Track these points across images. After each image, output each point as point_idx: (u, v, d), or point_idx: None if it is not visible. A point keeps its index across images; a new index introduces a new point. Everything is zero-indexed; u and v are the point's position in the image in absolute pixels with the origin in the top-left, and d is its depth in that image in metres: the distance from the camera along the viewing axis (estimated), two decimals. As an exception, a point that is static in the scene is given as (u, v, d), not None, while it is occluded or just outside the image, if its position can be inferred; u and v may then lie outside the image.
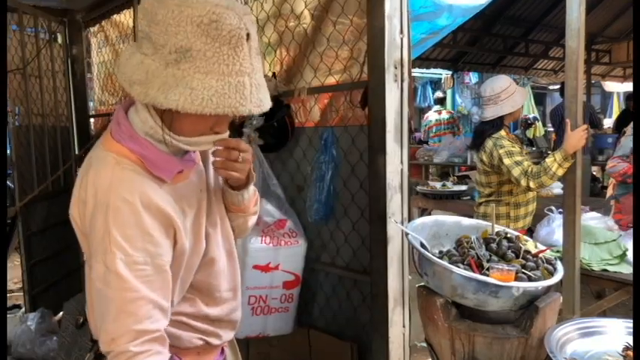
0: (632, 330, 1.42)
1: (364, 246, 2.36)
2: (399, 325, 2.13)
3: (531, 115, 11.05)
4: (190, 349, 1.25)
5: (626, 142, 3.54)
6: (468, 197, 4.76)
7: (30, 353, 3.43)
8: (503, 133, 3.09)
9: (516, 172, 2.90)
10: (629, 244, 2.89)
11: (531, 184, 2.85)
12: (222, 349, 1.36)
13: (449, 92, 10.71)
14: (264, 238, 2.40)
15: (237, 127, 2.36)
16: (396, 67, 2.07)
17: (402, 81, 2.09)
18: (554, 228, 3.13)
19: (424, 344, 3.50)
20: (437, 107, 8.73)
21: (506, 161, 2.94)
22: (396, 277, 2.09)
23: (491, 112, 3.09)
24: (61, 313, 3.99)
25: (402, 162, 2.09)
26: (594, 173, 7.44)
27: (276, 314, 2.50)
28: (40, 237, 3.94)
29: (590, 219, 3.17)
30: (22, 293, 4.08)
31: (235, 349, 1.45)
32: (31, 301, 3.82)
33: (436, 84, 11.39)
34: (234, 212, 1.33)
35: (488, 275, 1.43)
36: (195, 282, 1.22)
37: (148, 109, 1.10)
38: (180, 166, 1.16)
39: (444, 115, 8.45)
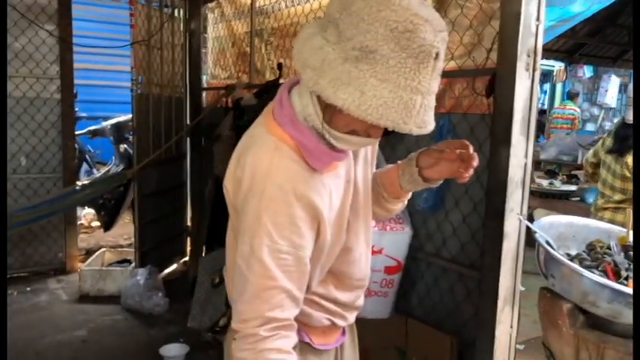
0: None
1: (474, 240, 2.29)
2: (507, 325, 2.05)
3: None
4: (318, 327, 1.28)
5: None
6: (578, 198, 4.47)
7: (138, 305, 3.70)
8: None
9: None
10: None
11: None
12: (344, 330, 1.39)
13: (559, 86, 10.07)
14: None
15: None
16: (528, 56, 1.95)
17: (533, 70, 1.98)
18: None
19: (520, 347, 3.37)
20: (566, 101, 8.60)
21: None
22: (508, 276, 2.01)
23: (624, 114, 2.84)
24: (166, 271, 4.28)
25: (526, 156, 1.98)
26: None
27: (375, 297, 2.50)
28: (152, 199, 4.22)
29: None
30: (131, 249, 4.41)
31: (354, 330, 1.47)
32: (140, 258, 4.11)
33: (546, 76, 10.75)
34: (401, 198, 1.37)
35: (626, 285, 1.32)
36: (331, 267, 1.24)
37: (311, 96, 1.09)
38: (334, 158, 1.16)
39: (568, 110, 8.22)
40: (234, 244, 1.15)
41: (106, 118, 6.33)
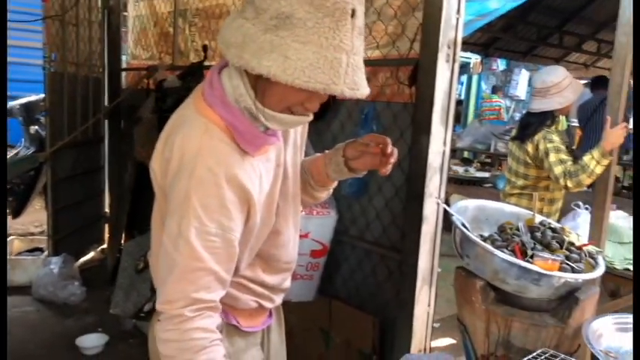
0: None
1: (395, 224, 2.38)
2: (425, 304, 2.16)
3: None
4: (245, 309, 1.29)
5: None
6: (490, 185, 4.76)
7: (51, 296, 3.52)
8: (553, 127, 3.04)
9: (558, 170, 2.85)
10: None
11: (569, 184, 2.81)
12: (271, 313, 1.41)
13: (475, 78, 10.57)
14: (297, 206, 2.42)
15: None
16: (449, 47, 2.05)
17: (453, 62, 2.07)
18: (578, 223, 3.13)
19: (436, 325, 3.56)
20: (491, 95, 9.48)
21: (552, 157, 2.89)
22: (427, 257, 2.11)
23: (537, 105, 3.02)
24: (82, 259, 4.09)
25: (445, 143, 2.09)
26: (616, 174, 7.36)
27: (300, 281, 2.54)
28: (67, 184, 4.01)
29: (617, 218, 3.17)
30: (43, 237, 4.18)
31: (280, 312, 1.50)
32: (54, 246, 3.90)
33: (463, 68, 11.25)
34: (327, 186, 1.39)
35: (531, 263, 1.44)
36: (259, 250, 1.25)
37: (241, 76, 1.09)
38: (266, 141, 1.16)
39: (495, 103, 9.19)
40: (161, 227, 1.13)
41: (14, 98, 5.90)
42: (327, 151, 1.41)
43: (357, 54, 1.04)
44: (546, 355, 1.24)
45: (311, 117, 1.16)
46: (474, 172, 5.01)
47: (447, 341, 3.33)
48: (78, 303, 3.53)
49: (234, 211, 1.10)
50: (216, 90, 1.12)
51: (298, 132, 1.33)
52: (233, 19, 1.07)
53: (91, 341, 2.96)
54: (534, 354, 1.23)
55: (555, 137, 2.97)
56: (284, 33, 0.98)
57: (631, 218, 3.28)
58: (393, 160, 1.27)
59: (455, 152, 7.47)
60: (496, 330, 1.48)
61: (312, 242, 2.48)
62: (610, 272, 2.86)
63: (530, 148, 3.03)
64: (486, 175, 4.92)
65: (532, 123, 3.05)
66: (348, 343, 2.48)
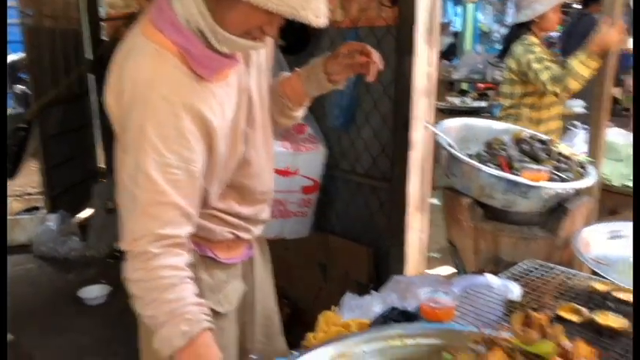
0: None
1: (384, 153, 2.33)
2: (417, 231, 2.13)
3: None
4: (222, 242, 1.26)
5: None
6: (488, 114, 4.67)
7: (52, 252, 3.55)
8: (534, 39, 2.92)
9: (545, 76, 2.73)
10: (653, 161, 2.85)
11: (557, 89, 2.71)
12: (251, 244, 1.38)
13: (470, 7, 10.23)
14: (284, 143, 2.37)
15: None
16: (430, -38, 1.93)
17: (435, -23, 1.96)
18: (575, 143, 3.08)
19: (436, 255, 3.57)
20: None
21: (536, 66, 2.77)
22: (417, 184, 2.07)
23: (512, 19, 2.96)
24: (81, 215, 4.09)
25: (430, 64, 2.00)
26: (616, 95, 7.20)
27: (294, 218, 2.52)
28: (58, 140, 3.96)
29: (614, 135, 3.11)
30: (40, 196, 4.17)
31: (264, 244, 1.47)
32: (51, 203, 3.90)
33: (458, -2, 10.88)
34: (304, 104, 1.36)
35: (518, 175, 1.40)
36: (230, 181, 1.21)
37: None
38: (223, 64, 1.09)
39: None
40: (122, 165, 1.08)
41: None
42: (298, 70, 1.36)
43: None
44: (532, 265, 1.21)
45: (264, 44, 1.11)
46: (471, 103, 4.92)
47: (447, 270, 3.35)
48: (78, 257, 3.54)
49: (193, 141, 1.05)
50: (166, 12, 1.04)
51: (262, 55, 1.26)
52: None
53: (94, 292, 2.99)
54: (519, 263, 1.20)
55: (536, 48, 2.87)
56: None
57: (629, 135, 3.22)
58: (379, 65, 1.22)
59: (452, 85, 7.33)
60: (484, 247, 1.46)
61: (302, 179, 2.45)
62: (608, 190, 2.83)
63: (513, 64, 2.93)
64: (483, 104, 4.84)
65: (508, 38, 2.98)
66: (345, 275, 2.49)
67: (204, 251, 1.24)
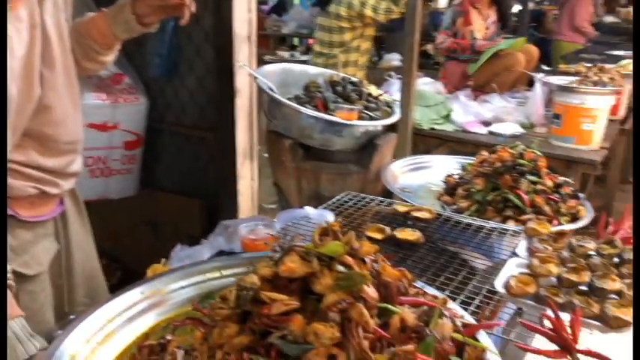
0: (457, 163, 1.58)
1: (211, 104, 2.28)
2: (248, 179, 2.15)
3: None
4: (23, 197, 1.13)
5: (445, 16, 3.79)
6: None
7: None
8: None
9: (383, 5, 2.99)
10: (454, 106, 3.21)
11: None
12: (62, 200, 1.26)
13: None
14: (99, 94, 2.19)
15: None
16: None
17: None
18: (392, 92, 3.34)
19: (273, 206, 3.66)
20: None
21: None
22: (244, 131, 2.07)
23: None
24: None
25: (250, 10, 1.98)
26: (428, 50, 7.91)
27: (117, 176, 2.38)
28: None
29: (423, 84, 3.42)
30: None
31: (78, 200, 1.35)
32: None
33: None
34: (114, 47, 1.27)
35: (333, 115, 1.47)
36: (27, 129, 1.08)
37: None
38: None
39: None
40: None
41: None
42: (104, 9, 1.25)
43: None
44: (348, 197, 1.31)
45: None
46: (300, 57, 5.02)
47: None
48: None
49: None
50: None
51: None
52: None
53: None
54: (337, 197, 1.29)
55: None
56: None
57: (436, 83, 3.58)
58: (191, 7, 1.19)
59: (285, 40, 7.38)
60: (306, 185, 1.53)
61: (123, 133, 2.30)
62: (419, 133, 3.14)
63: (342, 10, 3.07)
64: (309, 58, 4.98)
65: None
66: (176, 230, 2.42)
67: (3, 208, 1.11)
